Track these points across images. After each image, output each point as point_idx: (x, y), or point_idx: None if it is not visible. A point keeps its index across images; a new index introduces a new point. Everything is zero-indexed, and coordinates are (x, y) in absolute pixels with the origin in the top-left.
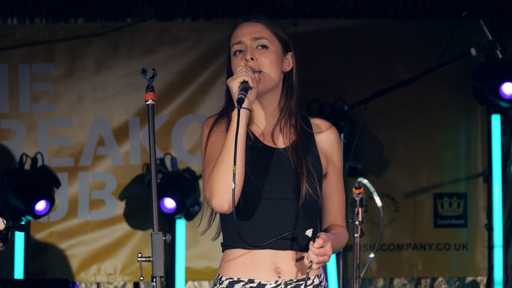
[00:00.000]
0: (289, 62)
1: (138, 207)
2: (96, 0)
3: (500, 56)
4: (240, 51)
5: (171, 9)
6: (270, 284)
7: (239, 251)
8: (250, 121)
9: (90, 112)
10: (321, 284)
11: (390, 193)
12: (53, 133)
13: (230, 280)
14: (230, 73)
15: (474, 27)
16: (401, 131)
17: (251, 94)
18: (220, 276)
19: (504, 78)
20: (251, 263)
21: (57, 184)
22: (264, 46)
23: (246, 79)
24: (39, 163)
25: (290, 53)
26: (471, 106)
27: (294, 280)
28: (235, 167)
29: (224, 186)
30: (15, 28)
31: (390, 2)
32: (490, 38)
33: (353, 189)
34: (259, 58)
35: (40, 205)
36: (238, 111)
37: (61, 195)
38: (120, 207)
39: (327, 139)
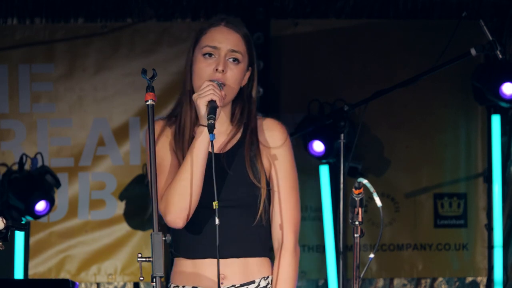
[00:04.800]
0: (247, 77)
1: (138, 207)
2: (96, 0)
3: (500, 56)
4: (211, 55)
5: (171, 9)
6: None
7: (184, 261)
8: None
9: (90, 112)
10: (268, 287)
11: (390, 193)
12: (53, 133)
13: (176, 287)
14: (190, 69)
15: (474, 27)
16: (401, 131)
17: (217, 113)
18: (169, 284)
19: (504, 78)
20: (196, 272)
21: (57, 184)
22: (236, 60)
23: (214, 98)
24: (39, 163)
25: (250, 68)
26: (471, 106)
27: (237, 285)
28: (216, 202)
29: (181, 203)
30: (15, 28)
31: (390, 2)
32: (490, 38)
33: (353, 189)
34: (228, 72)
35: (40, 205)
36: (211, 141)
37: (61, 195)
38: (120, 207)
39: (270, 139)
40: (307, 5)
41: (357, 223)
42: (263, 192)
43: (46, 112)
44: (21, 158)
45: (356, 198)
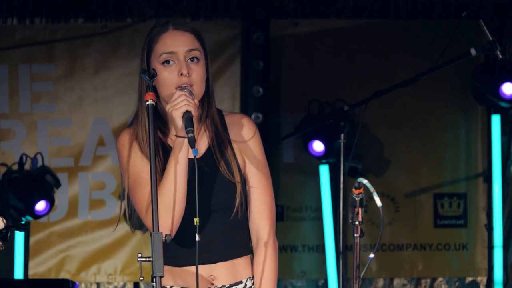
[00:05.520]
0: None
1: None
2: (96, 0)
3: (500, 56)
4: (170, 61)
5: (171, 9)
6: None
7: (167, 267)
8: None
9: (90, 112)
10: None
11: (390, 193)
12: (53, 133)
13: (164, 287)
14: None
15: (474, 27)
16: (401, 131)
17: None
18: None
19: (504, 78)
20: (184, 275)
21: (57, 184)
22: (196, 59)
23: (189, 109)
24: (39, 163)
25: (207, 62)
26: (471, 106)
27: (227, 286)
28: (197, 219)
29: (169, 215)
30: (15, 28)
31: (390, 2)
32: (490, 38)
33: (353, 189)
34: (191, 73)
35: (40, 205)
36: (194, 156)
37: (61, 195)
38: (120, 207)
39: (240, 133)
40: (307, 5)
41: (357, 223)
42: (239, 188)
43: (46, 112)
44: (21, 158)
45: (356, 198)
